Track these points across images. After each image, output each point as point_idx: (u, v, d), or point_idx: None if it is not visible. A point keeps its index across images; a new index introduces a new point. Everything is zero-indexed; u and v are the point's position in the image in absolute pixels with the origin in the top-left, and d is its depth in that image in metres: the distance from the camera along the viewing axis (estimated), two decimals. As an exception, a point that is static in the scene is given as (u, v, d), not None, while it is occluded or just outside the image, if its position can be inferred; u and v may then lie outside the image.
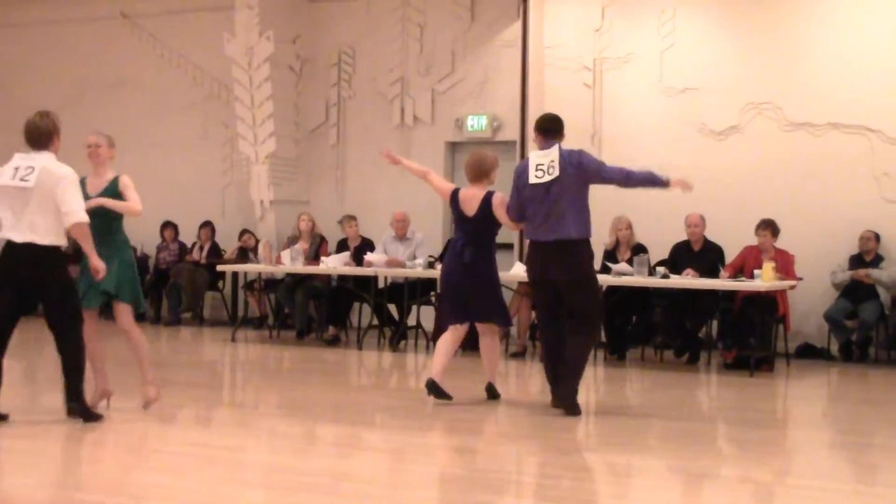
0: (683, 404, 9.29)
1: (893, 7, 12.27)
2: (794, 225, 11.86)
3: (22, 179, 7.16)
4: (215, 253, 14.98)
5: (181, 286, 14.76)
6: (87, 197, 7.49)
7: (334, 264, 12.54)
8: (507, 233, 12.96)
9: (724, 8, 12.99)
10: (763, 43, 12.75)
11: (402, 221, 12.86)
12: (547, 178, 7.97)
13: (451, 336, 8.50)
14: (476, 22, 14.23)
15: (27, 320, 7.61)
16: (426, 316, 12.74)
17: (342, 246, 13.37)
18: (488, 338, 8.65)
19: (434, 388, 8.33)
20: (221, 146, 15.63)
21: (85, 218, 7.19)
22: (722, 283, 10.92)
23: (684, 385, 10.33)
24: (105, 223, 7.61)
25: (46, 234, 7.17)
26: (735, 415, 8.87)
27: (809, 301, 12.07)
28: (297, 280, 13.28)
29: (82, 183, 7.51)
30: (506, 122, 13.95)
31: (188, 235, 15.34)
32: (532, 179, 8.02)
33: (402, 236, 12.82)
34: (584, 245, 8.10)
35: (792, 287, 11.20)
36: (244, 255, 14.62)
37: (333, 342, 12.75)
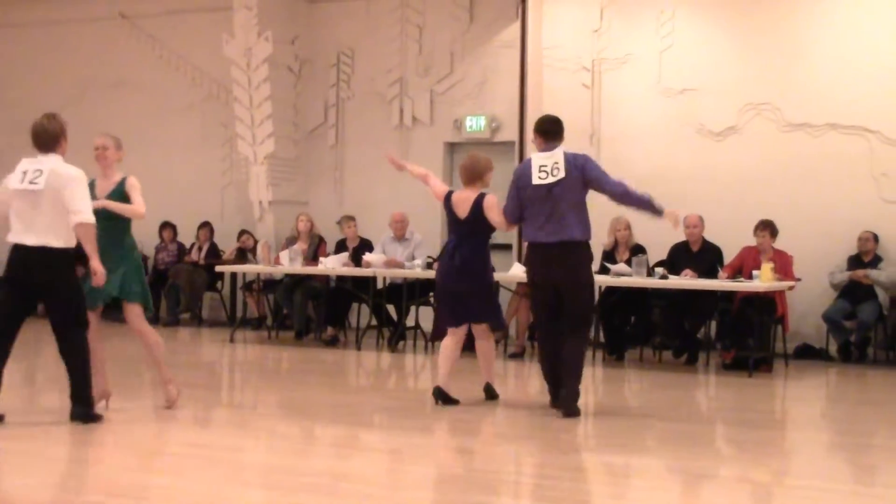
0: (682, 405, 9.30)
1: (892, 7, 12.28)
2: (793, 225, 11.87)
3: (31, 182, 7.17)
4: (214, 253, 14.99)
5: (180, 287, 14.76)
6: (95, 199, 7.49)
7: (333, 265, 12.54)
8: (507, 233, 12.99)
9: (722, 9, 13.00)
10: (762, 44, 12.76)
11: (401, 222, 12.87)
12: (551, 180, 7.98)
13: (452, 341, 8.51)
14: (475, 23, 14.24)
15: (26, 321, 7.60)
16: (425, 316, 12.74)
17: (341, 246, 13.37)
18: (484, 340, 8.66)
19: (441, 395, 8.36)
20: (220, 147, 15.63)
21: (91, 219, 7.20)
22: (720, 283, 10.93)
23: (683, 386, 10.33)
24: (113, 225, 7.62)
25: (57, 237, 7.17)
26: (733, 415, 8.87)
27: (808, 302, 12.07)
28: (295, 280, 13.28)
29: (91, 185, 7.53)
30: (504, 122, 13.95)
31: (187, 236, 15.34)
32: (535, 180, 8.02)
33: (400, 237, 12.82)
34: (585, 247, 8.12)
35: (790, 288, 11.21)
36: (243, 255, 14.63)
37: (332, 343, 12.75)
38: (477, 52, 14.20)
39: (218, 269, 14.18)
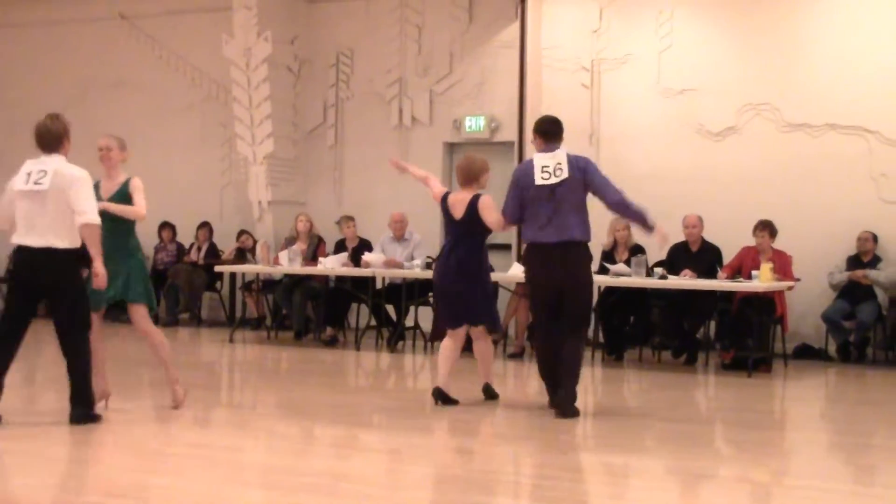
0: (681, 405, 9.30)
1: (892, 7, 12.28)
2: (792, 226, 11.88)
3: (36, 183, 7.17)
4: (213, 254, 14.99)
5: (179, 287, 14.76)
6: (100, 200, 7.50)
7: (332, 265, 12.55)
8: (506, 234, 12.99)
9: (721, 9, 13.00)
10: (761, 44, 12.76)
11: (400, 222, 12.87)
12: (554, 180, 7.99)
13: (451, 342, 8.51)
14: (474, 23, 14.24)
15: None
16: (424, 317, 12.74)
17: (340, 247, 13.37)
18: (481, 342, 8.65)
19: (441, 396, 8.36)
20: (219, 147, 15.63)
21: (96, 220, 7.20)
22: (720, 283, 10.93)
23: (682, 386, 10.34)
24: (116, 226, 7.63)
25: (62, 238, 7.17)
26: (733, 415, 8.88)
27: (807, 302, 12.08)
28: (294, 281, 13.28)
29: (96, 187, 7.53)
30: (504, 122, 13.95)
31: (186, 236, 15.35)
32: (538, 181, 8.03)
33: (399, 237, 12.82)
34: (585, 248, 8.16)
35: (790, 288, 11.22)
36: (242, 255, 14.63)
37: (331, 343, 12.75)
38: (476, 52, 14.20)
39: (217, 269, 14.18)
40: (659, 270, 11.09)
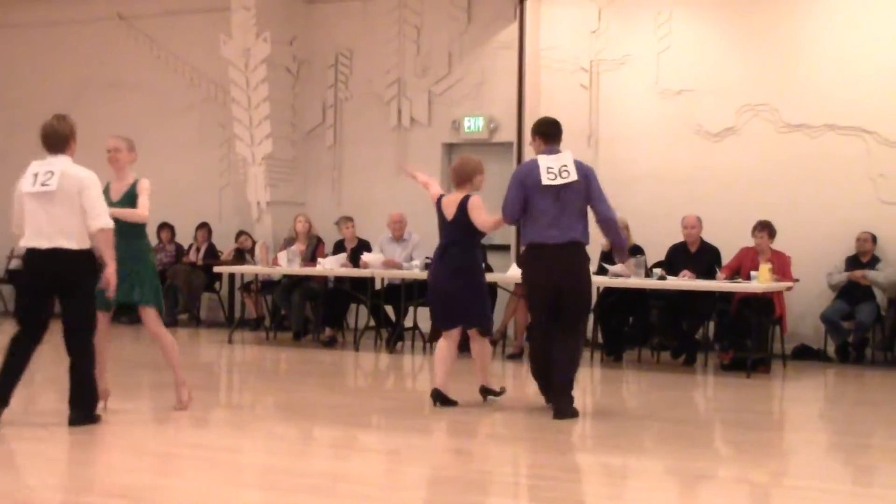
0: (680, 406, 9.30)
1: (892, 8, 12.29)
2: (791, 226, 11.88)
3: (43, 185, 7.16)
4: (212, 254, 14.99)
5: (178, 287, 14.76)
6: (109, 203, 7.49)
7: (331, 266, 12.55)
8: (505, 234, 13.00)
9: (720, 10, 13.00)
10: (759, 44, 12.77)
11: (399, 223, 12.87)
12: (559, 181, 8.00)
13: (446, 343, 8.50)
14: (472, 24, 14.24)
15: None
16: (423, 317, 12.69)
17: (339, 247, 13.37)
18: (478, 343, 8.64)
19: (439, 397, 8.36)
20: (218, 147, 15.63)
21: (109, 224, 7.20)
22: (718, 284, 10.93)
23: (681, 386, 10.34)
24: (127, 229, 7.62)
25: (70, 238, 7.16)
26: (732, 416, 8.88)
27: (806, 302, 12.08)
28: (293, 281, 13.28)
29: (106, 189, 7.53)
30: (502, 123, 13.95)
31: (185, 237, 15.34)
32: (544, 181, 8.03)
33: (398, 237, 12.82)
34: (584, 249, 8.16)
35: (788, 288, 11.22)
36: (241, 256, 14.63)
37: (330, 343, 12.75)
38: (475, 52, 14.20)
39: (216, 269, 14.18)
40: (658, 271, 11.09)
